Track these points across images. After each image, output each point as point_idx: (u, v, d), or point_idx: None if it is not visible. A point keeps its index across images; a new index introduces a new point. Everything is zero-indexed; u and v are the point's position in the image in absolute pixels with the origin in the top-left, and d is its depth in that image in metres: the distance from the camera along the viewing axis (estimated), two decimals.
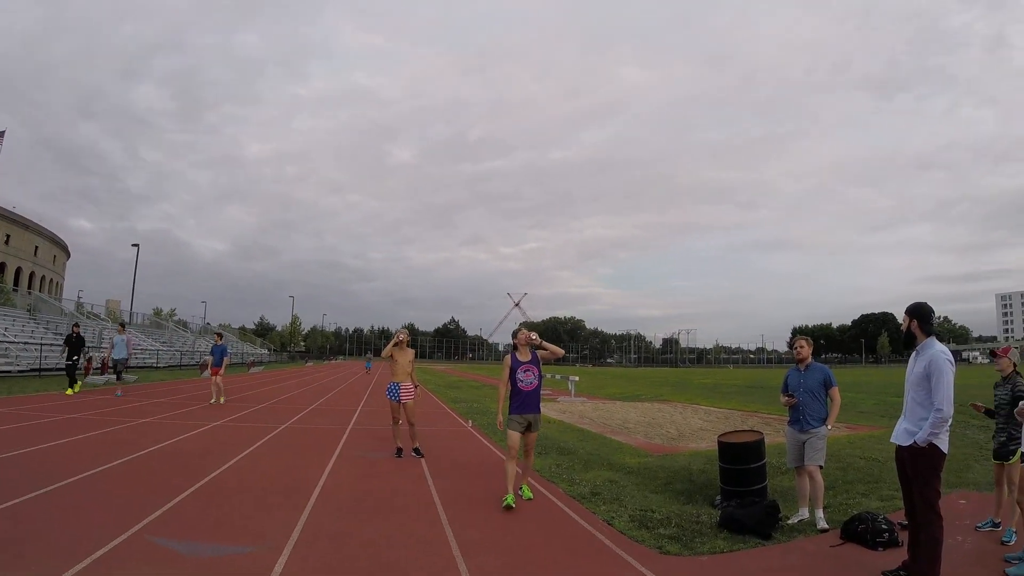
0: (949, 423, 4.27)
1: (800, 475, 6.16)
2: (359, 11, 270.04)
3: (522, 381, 6.61)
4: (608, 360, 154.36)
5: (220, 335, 18.93)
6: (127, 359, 18.50)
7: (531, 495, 6.85)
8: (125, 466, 7.64)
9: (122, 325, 20.61)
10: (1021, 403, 4.96)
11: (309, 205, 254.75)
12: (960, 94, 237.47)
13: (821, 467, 6.05)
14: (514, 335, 6.96)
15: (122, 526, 5.08)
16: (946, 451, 4.30)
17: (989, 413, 5.69)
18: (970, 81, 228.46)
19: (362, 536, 5.30)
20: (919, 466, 4.31)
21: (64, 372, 18.55)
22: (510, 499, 6.34)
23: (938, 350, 4.36)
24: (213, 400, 16.21)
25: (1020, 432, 5.29)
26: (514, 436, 6.54)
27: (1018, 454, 5.30)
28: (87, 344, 19.72)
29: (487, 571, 4.58)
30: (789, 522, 5.89)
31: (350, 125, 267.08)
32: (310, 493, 6.69)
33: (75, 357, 17.24)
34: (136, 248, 47.88)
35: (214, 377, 16.63)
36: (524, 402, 6.59)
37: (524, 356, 6.74)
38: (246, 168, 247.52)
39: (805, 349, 6.27)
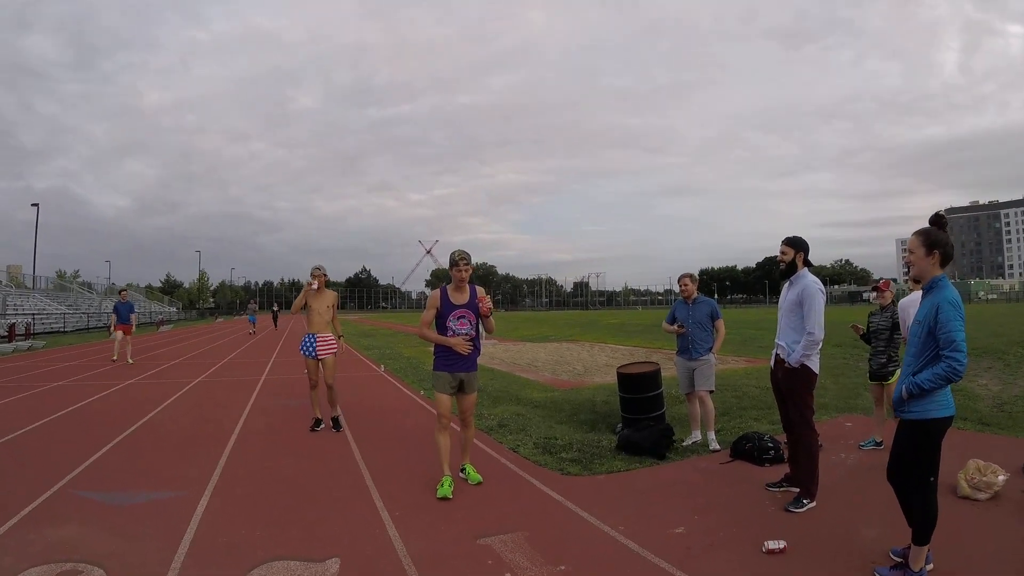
0: (819, 346, 4.68)
1: (691, 400, 6.61)
2: None
3: (454, 332, 4.98)
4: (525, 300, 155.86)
5: (124, 291, 18.32)
6: None
7: (479, 478, 5.19)
8: (44, 427, 7.56)
9: None
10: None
11: (212, 155, 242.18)
12: (867, 47, 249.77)
13: (711, 392, 6.50)
14: (451, 264, 4.98)
15: (47, 483, 5.11)
16: (817, 371, 4.71)
17: (865, 338, 6.21)
18: (877, 34, 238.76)
19: (279, 475, 5.46)
20: (793, 385, 4.72)
21: None
22: (446, 486, 4.81)
23: (811, 280, 4.73)
24: (115, 357, 15.71)
25: (899, 355, 5.81)
26: (443, 399, 5.06)
27: (897, 374, 5.82)
28: None
29: (395, 497, 4.82)
30: (683, 444, 6.35)
31: (251, 70, 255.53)
32: (227, 440, 6.76)
33: None
34: (36, 208, 44.93)
35: (118, 333, 15.85)
36: (454, 356, 5.01)
37: (459, 297, 5.01)
38: (144, 118, 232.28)
39: (690, 287, 6.59)
